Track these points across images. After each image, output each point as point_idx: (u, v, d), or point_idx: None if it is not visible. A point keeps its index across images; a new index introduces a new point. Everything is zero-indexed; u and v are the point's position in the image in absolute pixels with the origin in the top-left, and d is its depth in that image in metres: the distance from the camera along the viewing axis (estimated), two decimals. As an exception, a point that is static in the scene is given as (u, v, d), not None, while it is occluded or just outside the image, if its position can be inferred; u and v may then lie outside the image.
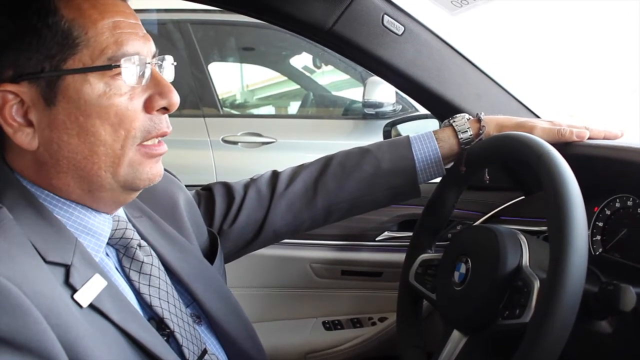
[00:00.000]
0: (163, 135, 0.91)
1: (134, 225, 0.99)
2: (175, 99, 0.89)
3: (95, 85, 0.82)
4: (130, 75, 0.84)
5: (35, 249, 0.80)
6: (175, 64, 0.96)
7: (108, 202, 0.90)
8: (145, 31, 0.90)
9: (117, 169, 0.86)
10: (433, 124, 1.89)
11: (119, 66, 0.83)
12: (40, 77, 0.82)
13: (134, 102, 0.86)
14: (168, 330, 0.91)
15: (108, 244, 0.92)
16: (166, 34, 3.72)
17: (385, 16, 1.35)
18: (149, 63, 0.87)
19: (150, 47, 0.89)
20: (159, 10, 3.68)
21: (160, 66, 0.92)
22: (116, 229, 0.92)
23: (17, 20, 0.82)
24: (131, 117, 0.85)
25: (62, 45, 0.82)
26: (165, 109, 0.89)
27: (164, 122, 0.90)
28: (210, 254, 1.15)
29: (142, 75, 0.86)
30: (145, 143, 0.88)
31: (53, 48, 0.81)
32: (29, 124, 0.83)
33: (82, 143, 0.84)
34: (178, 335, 0.92)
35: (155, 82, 0.88)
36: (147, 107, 0.87)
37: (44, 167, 0.86)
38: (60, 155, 0.84)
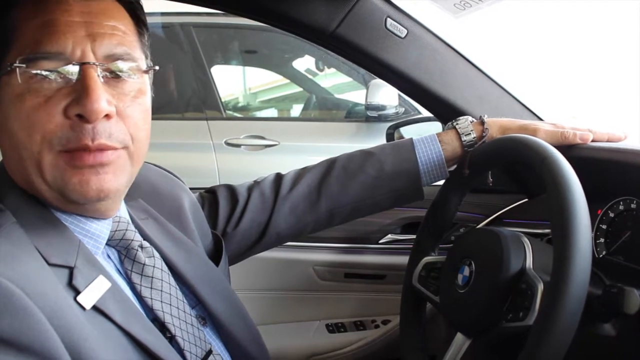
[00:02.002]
0: (83, 148, 0.80)
1: (137, 227, 0.98)
2: (91, 106, 0.78)
3: (15, 86, 0.79)
4: (21, 77, 0.78)
5: (38, 251, 0.79)
6: (155, 68, 0.91)
7: (83, 212, 0.87)
8: (101, 30, 0.82)
9: (43, 174, 0.81)
10: (436, 126, 1.89)
11: (22, 66, 0.78)
12: None
13: (50, 105, 0.79)
14: (169, 334, 0.91)
15: (109, 245, 0.92)
16: (170, 37, 3.73)
17: (388, 19, 1.36)
18: (76, 64, 0.80)
19: (98, 47, 0.81)
20: (162, 14, 3.69)
21: (110, 69, 0.83)
22: (116, 230, 0.92)
23: None
24: (43, 121, 0.78)
25: (2, 45, 0.82)
26: (83, 118, 0.79)
27: (87, 133, 0.79)
28: (214, 257, 1.15)
29: (56, 78, 0.79)
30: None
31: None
32: None
33: (10, 146, 0.83)
34: (179, 339, 0.91)
35: (80, 85, 0.79)
36: (66, 112, 0.79)
37: (8, 168, 0.87)
38: (6, 158, 0.85)
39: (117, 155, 0.83)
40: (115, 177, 0.84)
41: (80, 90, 0.79)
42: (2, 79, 0.81)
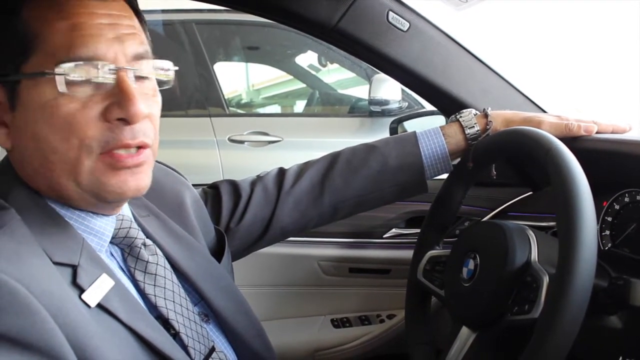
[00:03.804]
0: (125, 147, 0.82)
1: (139, 224, 0.98)
2: (134, 110, 0.80)
3: (45, 91, 0.79)
4: (66, 83, 0.78)
5: (43, 249, 0.80)
6: (175, 68, 0.91)
7: (94, 209, 0.88)
8: (125, 31, 0.83)
9: (77, 177, 0.81)
10: (439, 120, 1.89)
11: (51, 73, 0.78)
12: (6, 80, 0.82)
13: (87, 110, 0.80)
14: (173, 331, 0.91)
15: (112, 243, 0.92)
16: (172, 34, 3.73)
17: (390, 12, 1.35)
18: (113, 69, 0.81)
19: (127, 49, 0.83)
20: (164, 11, 3.69)
21: (141, 71, 0.84)
22: (120, 228, 0.92)
23: None
24: (83, 125, 0.79)
25: (21, 47, 0.80)
26: (124, 120, 0.81)
27: (127, 133, 0.81)
28: (217, 252, 1.14)
29: (95, 82, 0.80)
30: (115, 152, 0.82)
31: (14, 50, 0.80)
32: (5, 124, 0.84)
33: (36, 150, 0.82)
34: (183, 336, 0.91)
35: (118, 89, 0.80)
36: (105, 116, 0.80)
37: (21, 168, 0.86)
38: (25, 159, 0.84)
39: (148, 153, 0.86)
40: (147, 175, 0.87)
41: (118, 94, 0.80)
42: (24, 83, 0.81)
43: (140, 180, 0.85)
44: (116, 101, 0.80)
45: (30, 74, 0.80)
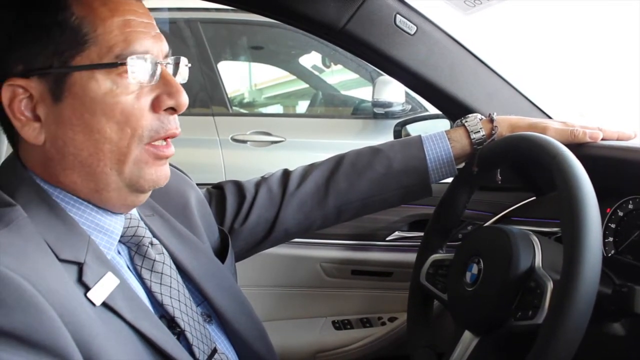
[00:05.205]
0: (172, 136, 0.90)
1: (145, 224, 0.99)
2: (184, 99, 0.88)
3: (101, 82, 0.83)
4: (137, 73, 0.84)
5: (49, 246, 0.80)
6: (189, 65, 0.96)
7: (116, 203, 0.90)
8: (158, 31, 0.90)
9: (122, 167, 0.86)
10: (443, 124, 1.89)
11: (124, 64, 0.83)
12: (49, 73, 0.82)
13: (141, 100, 0.85)
14: (179, 330, 0.91)
15: (120, 241, 0.92)
16: (177, 32, 3.73)
17: (398, 16, 1.35)
18: (159, 63, 0.87)
19: (162, 46, 0.89)
20: (170, 9, 3.69)
21: (172, 67, 0.91)
22: (128, 227, 0.93)
23: (27, 16, 0.82)
24: (137, 115, 0.85)
25: (71, 41, 0.82)
26: (173, 109, 0.89)
27: (173, 123, 0.89)
28: (221, 253, 1.15)
29: (151, 74, 0.85)
30: (154, 143, 0.88)
31: (62, 44, 0.82)
32: (37, 118, 0.84)
33: (87, 140, 0.84)
34: (188, 334, 0.92)
35: (164, 81, 0.87)
36: (155, 106, 0.87)
37: (50, 163, 0.86)
38: (66, 151, 0.85)
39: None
40: (168, 166, 0.94)
41: (166, 85, 0.88)
42: (75, 75, 0.83)
43: (167, 170, 0.92)
44: (165, 92, 0.87)
45: (89, 65, 0.82)
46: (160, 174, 0.90)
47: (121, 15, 0.84)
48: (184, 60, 0.94)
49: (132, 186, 0.88)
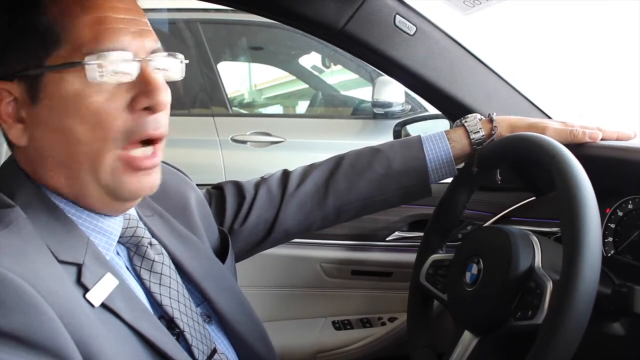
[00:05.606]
0: (149, 137, 0.85)
1: (145, 224, 0.99)
2: (161, 98, 0.83)
3: (72, 82, 0.81)
4: (105, 72, 0.80)
5: (48, 247, 0.80)
6: (185, 62, 0.93)
7: (102, 209, 0.88)
8: (144, 27, 0.86)
9: (98, 173, 0.83)
10: (443, 124, 1.89)
11: (81, 63, 0.80)
12: (27, 75, 0.82)
13: (114, 100, 0.82)
14: (178, 330, 0.91)
15: (119, 242, 0.92)
16: (176, 33, 3.73)
17: (397, 16, 1.35)
18: (137, 60, 0.83)
19: (146, 43, 0.85)
20: (169, 10, 3.69)
21: (160, 63, 0.87)
22: (127, 228, 0.92)
23: (4, 17, 0.82)
24: (110, 116, 0.81)
25: (45, 42, 0.81)
26: (149, 109, 0.83)
27: (151, 123, 0.84)
28: (221, 253, 1.14)
29: (124, 73, 0.82)
30: (132, 153, 0.84)
31: (36, 45, 0.81)
32: (21, 120, 0.84)
33: (62, 142, 0.83)
34: (187, 335, 0.92)
35: (142, 79, 0.83)
36: (131, 106, 0.83)
37: (35, 165, 0.86)
38: (45, 153, 0.84)
39: (160, 150, 0.89)
40: (159, 173, 0.90)
41: (144, 84, 0.83)
42: (48, 75, 0.81)
43: (154, 179, 0.88)
44: (142, 91, 0.83)
45: (58, 65, 0.81)
46: (142, 184, 0.87)
47: (94, 12, 0.82)
48: (179, 56, 0.91)
49: (112, 194, 0.85)
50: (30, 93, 0.82)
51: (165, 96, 0.84)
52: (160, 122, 0.86)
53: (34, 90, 0.82)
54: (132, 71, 0.83)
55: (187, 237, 1.06)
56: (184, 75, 0.93)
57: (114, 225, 0.90)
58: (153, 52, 0.87)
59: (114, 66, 0.81)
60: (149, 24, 0.89)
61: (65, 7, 0.82)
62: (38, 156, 0.85)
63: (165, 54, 0.89)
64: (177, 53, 0.91)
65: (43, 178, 0.86)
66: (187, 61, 0.94)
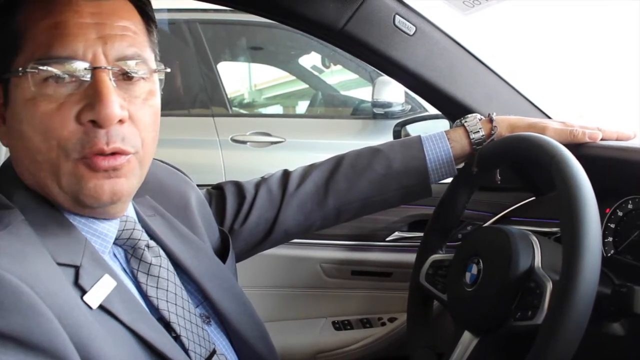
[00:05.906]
0: (99, 152, 0.79)
1: (144, 224, 0.98)
2: (105, 112, 0.76)
3: (25, 89, 0.78)
4: (50, 80, 0.77)
5: (46, 249, 0.79)
6: (166, 70, 0.89)
7: (86, 213, 0.86)
8: (112, 32, 0.81)
9: (59, 180, 0.80)
10: (443, 124, 1.89)
11: (35, 70, 0.77)
12: (2, 77, 0.82)
13: (63, 110, 0.78)
14: (174, 334, 0.90)
15: (116, 244, 0.91)
16: (176, 33, 3.73)
17: (397, 16, 1.35)
18: (89, 69, 0.78)
19: (109, 50, 0.80)
20: (169, 10, 3.69)
21: (129, 70, 0.82)
22: (123, 230, 0.91)
23: None
24: (58, 126, 0.77)
25: (14, 45, 0.80)
26: (96, 122, 0.78)
27: (102, 138, 0.78)
28: (221, 253, 1.14)
29: (70, 81, 0.78)
30: (94, 157, 0.79)
31: (6, 48, 0.81)
32: (4, 121, 0.84)
33: (24, 149, 0.81)
34: (184, 339, 0.91)
35: (92, 90, 0.78)
36: (78, 118, 0.78)
37: (16, 166, 0.86)
38: (16, 157, 0.85)
39: (128, 159, 0.82)
40: (127, 180, 0.83)
41: (92, 95, 0.78)
42: (13, 81, 0.81)
43: (117, 184, 0.82)
44: (89, 103, 0.78)
45: (15, 71, 0.79)
46: (100, 189, 0.80)
47: (53, 16, 0.78)
48: (158, 65, 0.87)
49: (76, 200, 0.82)
50: (4, 96, 0.83)
51: (112, 109, 0.77)
52: (118, 136, 0.80)
53: (7, 94, 0.82)
54: (80, 80, 0.79)
55: (188, 237, 1.06)
56: (158, 87, 0.88)
57: (109, 228, 0.89)
58: (122, 58, 0.81)
59: (56, 74, 0.77)
60: (131, 29, 0.83)
61: (31, 11, 0.80)
62: (15, 158, 0.86)
63: (143, 61, 0.84)
64: (157, 63, 0.87)
65: (24, 180, 0.86)
66: (168, 70, 0.90)
